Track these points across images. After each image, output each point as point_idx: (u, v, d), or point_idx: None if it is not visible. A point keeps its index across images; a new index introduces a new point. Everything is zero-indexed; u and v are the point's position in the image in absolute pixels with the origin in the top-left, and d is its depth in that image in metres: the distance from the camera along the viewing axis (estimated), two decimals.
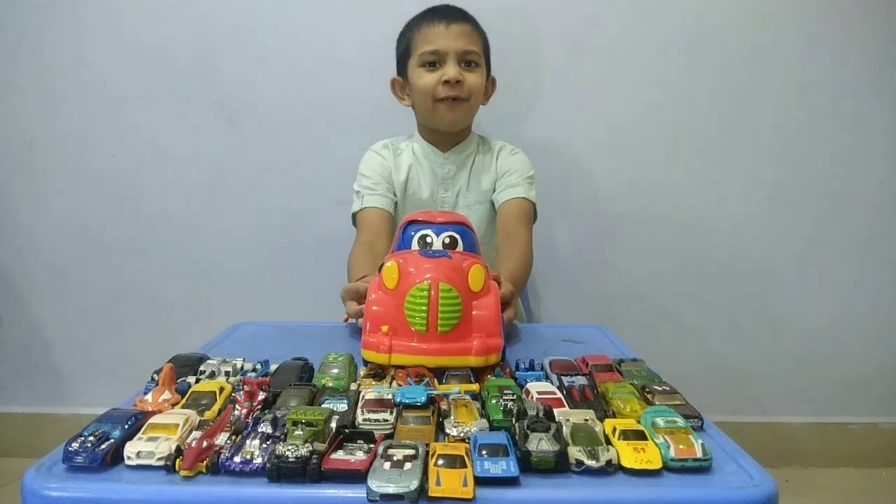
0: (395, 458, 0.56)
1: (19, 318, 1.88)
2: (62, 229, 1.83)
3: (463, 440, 0.62)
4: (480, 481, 0.55)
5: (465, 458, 0.57)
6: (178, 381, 0.76)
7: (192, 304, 1.86)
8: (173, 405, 0.70)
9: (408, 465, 0.55)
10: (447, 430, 0.63)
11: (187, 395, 0.71)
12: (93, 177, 1.80)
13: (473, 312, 0.84)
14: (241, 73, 1.76)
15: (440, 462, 0.56)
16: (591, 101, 1.78)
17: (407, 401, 0.67)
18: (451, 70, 1.33)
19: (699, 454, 0.59)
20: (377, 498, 0.52)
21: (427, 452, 0.58)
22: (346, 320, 1.09)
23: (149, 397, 0.71)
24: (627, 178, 1.82)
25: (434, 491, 0.53)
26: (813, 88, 1.77)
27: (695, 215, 1.84)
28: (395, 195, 1.44)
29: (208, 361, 0.83)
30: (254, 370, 0.83)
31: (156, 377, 0.77)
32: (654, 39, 1.75)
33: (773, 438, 1.92)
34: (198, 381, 0.78)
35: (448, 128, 1.42)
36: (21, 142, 1.78)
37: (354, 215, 1.44)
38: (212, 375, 0.79)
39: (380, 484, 0.52)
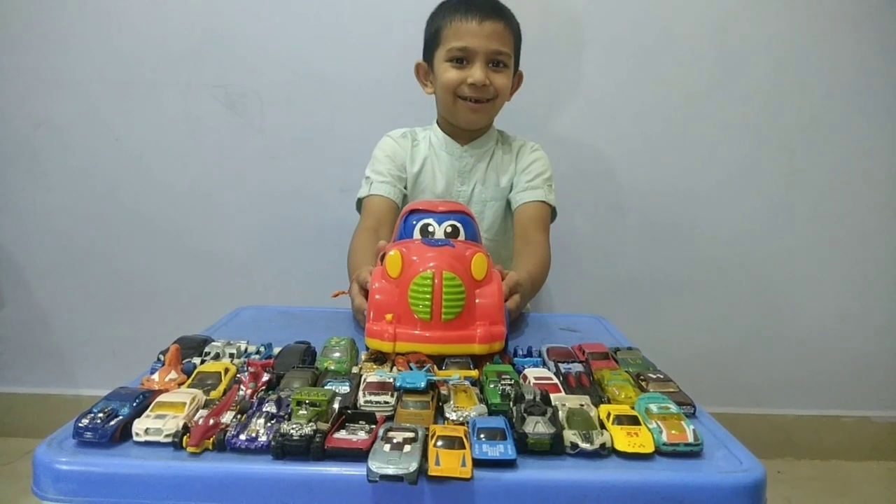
0: (395, 441, 0.57)
1: (23, 301, 1.90)
2: (65, 212, 1.84)
3: (462, 424, 0.63)
4: (479, 463, 0.57)
5: (464, 440, 0.58)
6: (184, 361, 0.78)
7: (193, 288, 1.88)
8: (179, 385, 0.72)
9: (407, 448, 0.56)
10: (447, 415, 0.65)
11: (193, 376, 0.73)
12: (96, 161, 1.81)
13: (476, 300, 0.85)
14: (245, 58, 1.76)
15: (439, 443, 0.58)
16: (596, 94, 1.79)
17: (407, 385, 0.69)
18: (477, 73, 1.29)
19: (690, 439, 0.60)
20: (377, 479, 0.53)
21: (426, 435, 0.59)
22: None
23: (155, 377, 0.73)
24: (627, 172, 1.83)
25: (433, 470, 0.55)
26: (812, 86, 1.78)
27: (693, 208, 1.85)
28: (405, 187, 1.42)
29: (213, 343, 0.85)
30: (257, 352, 0.85)
31: (162, 357, 0.79)
32: (655, 37, 1.76)
33: (766, 430, 1.94)
34: (203, 362, 0.79)
35: (467, 126, 1.40)
36: (26, 125, 1.79)
37: (360, 200, 1.41)
38: (216, 357, 0.81)
39: (380, 465, 0.54)
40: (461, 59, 1.32)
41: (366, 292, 0.95)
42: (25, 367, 1.94)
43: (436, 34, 1.35)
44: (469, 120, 1.38)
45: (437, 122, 1.46)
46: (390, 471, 0.53)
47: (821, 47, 1.76)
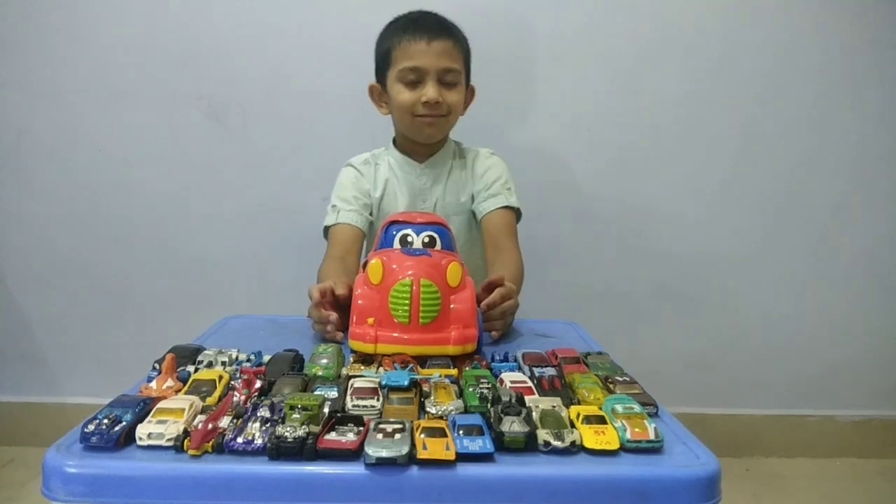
0: (386, 430, 0.64)
1: (6, 310, 1.90)
2: (49, 222, 1.85)
3: (441, 418, 0.70)
4: (459, 457, 0.62)
5: (446, 430, 0.65)
6: (178, 370, 0.82)
7: (177, 298, 1.90)
8: (176, 392, 0.76)
9: (398, 436, 0.63)
10: (428, 409, 0.72)
11: (189, 383, 0.77)
12: (80, 171, 1.82)
13: (451, 306, 0.93)
14: (228, 69, 1.78)
15: (424, 434, 0.64)
16: (564, 100, 1.83)
17: (392, 384, 0.75)
18: (430, 91, 1.32)
19: (652, 437, 0.66)
20: (373, 461, 0.60)
21: (412, 427, 0.66)
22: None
23: (153, 385, 0.77)
24: (598, 181, 1.87)
25: (422, 454, 0.61)
26: (791, 99, 1.84)
27: (659, 213, 1.90)
28: (371, 213, 1.44)
29: (205, 352, 0.89)
30: (248, 360, 0.89)
31: (157, 366, 0.83)
32: (628, 49, 1.81)
33: (735, 429, 2.00)
34: (196, 370, 0.84)
35: (426, 140, 1.43)
36: (8, 135, 1.80)
37: (327, 228, 1.43)
38: (210, 365, 0.85)
39: (375, 449, 0.60)
40: (413, 80, 1.34)
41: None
42: (9, 375, 1.94)
43: (386, 55, 1.38)
44: (427, 133, 1.40)
45: (394, 142, 1.49)
46: (385, 453, 0.60)
47: (804, 60, 1.81)
